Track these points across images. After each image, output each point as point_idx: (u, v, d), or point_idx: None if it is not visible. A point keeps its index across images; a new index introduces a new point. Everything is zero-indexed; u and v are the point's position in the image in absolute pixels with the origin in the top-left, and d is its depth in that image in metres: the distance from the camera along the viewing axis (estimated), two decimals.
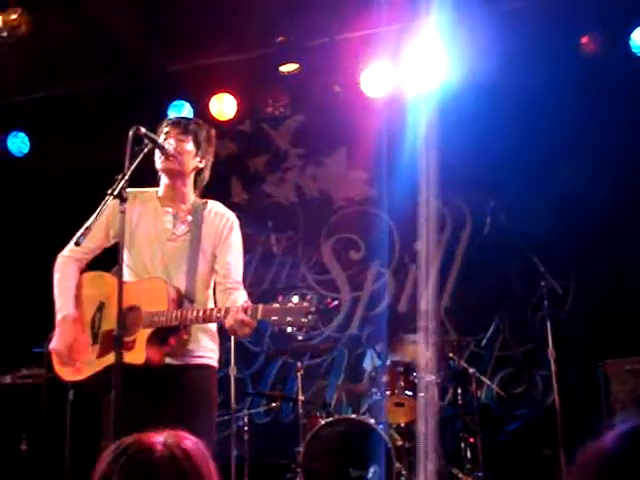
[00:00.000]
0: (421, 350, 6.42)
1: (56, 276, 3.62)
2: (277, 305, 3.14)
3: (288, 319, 3.09)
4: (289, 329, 3.12)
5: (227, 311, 3.24)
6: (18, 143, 7.91)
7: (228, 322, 3.22)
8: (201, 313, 3.29)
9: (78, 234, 3.22)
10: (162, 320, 3.29)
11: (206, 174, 3.76)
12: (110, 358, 3.16)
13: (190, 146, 3.61)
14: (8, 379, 6.20)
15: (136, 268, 3.55)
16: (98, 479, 1.64)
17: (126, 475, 1.61)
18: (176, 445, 1.67)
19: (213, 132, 3.81)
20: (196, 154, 3.64)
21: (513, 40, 6.50)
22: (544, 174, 6.99)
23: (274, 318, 3.12)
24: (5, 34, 5.93)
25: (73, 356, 3.44)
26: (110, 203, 3.20)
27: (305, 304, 3.10)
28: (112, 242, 3.62)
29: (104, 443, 6.46)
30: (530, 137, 6.83)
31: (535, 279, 6.01)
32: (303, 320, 3.08)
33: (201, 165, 3.69)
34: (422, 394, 6.00)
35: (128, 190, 3.22)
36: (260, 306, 3.17)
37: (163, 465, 1.63)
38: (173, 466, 1.63)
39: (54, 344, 3.46)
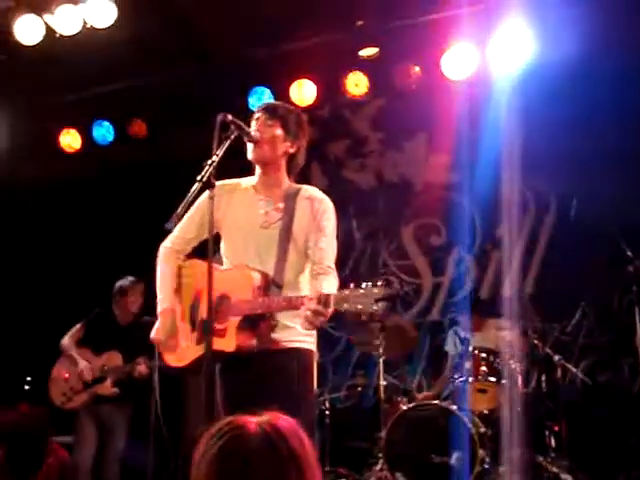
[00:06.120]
0: (505, 336, 6.34)
1: (158, 268, 3.72)
2: (347, 292, 3.06)
3: (359, 307, 3.01)
4: (362, 317, 3.04)
5: (303, 299, 3.21)
6: (103, 132, 8.11)
7: (303, 311, 3.18)
8: (283, 301, 3.31)
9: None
10: (247, 308, 3.32)
11: (299, 158, 3.76)
12: None
13: (279, 131, 3.61)
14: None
15: (232, 257, 3.60)
16: (197, 461, 1.69)
17: (221, 456, 1.66)
18: (270, 425, 1.69)
19: (304, 117, 3.80)
20: (285, 138, 3.63)
21: (601, 21, 6.31)
22: (632, 158, 6.79)
23: (345, 306, 3.04)
24: None
25: (174, 344, 3.54)
26: (203, 194, 3.30)
27: (375, 290, 3.00)
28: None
29: (185, 425, 6.62)
30: (618, 120, 6.61)
31: (622, 264, 5.86)
32: (374, 308, 2.99)
33: (292, 150, 3.68)
34: (506, 381, 5.93)
35: (219, 183, 3.27)
36: (332, 294, 3.11)
37: (257, 446, 1.65)
38: (267, 447, 1.65)
39: (154, 334, 3.56)
